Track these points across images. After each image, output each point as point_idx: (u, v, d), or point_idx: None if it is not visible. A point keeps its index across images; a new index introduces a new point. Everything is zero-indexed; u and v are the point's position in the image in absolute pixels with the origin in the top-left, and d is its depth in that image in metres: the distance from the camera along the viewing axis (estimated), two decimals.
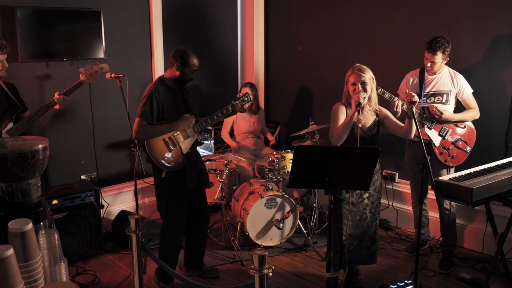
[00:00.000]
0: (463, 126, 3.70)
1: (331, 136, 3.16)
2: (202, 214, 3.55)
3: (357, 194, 3.20)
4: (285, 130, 5.51)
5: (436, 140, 3.66)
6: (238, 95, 3.49)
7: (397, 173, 4.58)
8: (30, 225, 1.71)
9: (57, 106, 3.24)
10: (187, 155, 3.33)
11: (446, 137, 3.66)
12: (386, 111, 3.27)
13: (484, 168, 3.14)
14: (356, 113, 3.01)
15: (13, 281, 1.54)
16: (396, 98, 3.29)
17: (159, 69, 4.65)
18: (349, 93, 3.17)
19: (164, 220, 3.43)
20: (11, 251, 1.55)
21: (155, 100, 3.20)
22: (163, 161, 3.24)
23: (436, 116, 3.61)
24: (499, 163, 3.22)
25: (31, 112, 3.25)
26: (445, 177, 3.06)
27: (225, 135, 5.01)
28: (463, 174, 3.06)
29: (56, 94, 3.25)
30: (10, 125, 3.17)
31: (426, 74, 3.72)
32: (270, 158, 4.36)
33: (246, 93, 3.49)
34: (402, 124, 3.20)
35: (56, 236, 1.96)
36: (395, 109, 3.22)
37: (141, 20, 4.53)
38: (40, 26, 3.84)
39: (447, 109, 3.66)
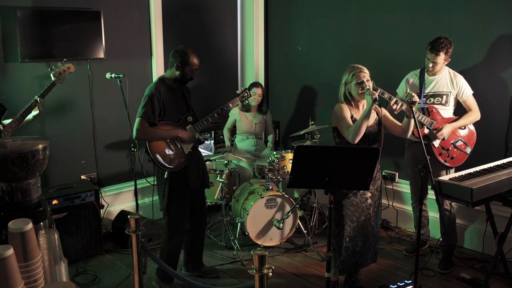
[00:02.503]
0: (463, 127, 3.69)
1: (348, 133, 3.05)
2: (200, 214, 3.55)
3: (360, 194, 3.19)
4: (285, 130, 5.52)
5: (436, 140, 3.65)
6: (238, 91, 3.48)
7: (397, 173, 4.58)
8: (30, 225, 1.71)
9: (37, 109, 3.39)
10: (188, 154, 3.33)
11: (445, 138, 3.66)
12: (384, 110, 3.27)
13: (484, 168, 3.14)
14: (376, 105, 3.03)
15: (13, 281, 1.53)
16: (395, 99, 3.28)
17: (159, 69, 4.65)
18: (351, 94, 3.15)
19: (166, 220, 3.42)
20: (11, 251, 1.55)
21: (156, 99, 3.18)
22: (164, 162, 3.24)
23: (440, 137, 3.62)
24: (499, 163, 3.22)
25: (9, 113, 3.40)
26: (445, 177, 3.06)
27: (224, 131, 4.93)
28: (463, 174, 3.06)
29: (36, 97, 3.38)
30: (6, 121, 3.29)
31: (426, 74, 3.71)
32: (270, 158, 4.36)
33: (245, 89, 3.48)
34: (400, 124, 3.20)
35: (56, 236, 1.95)
36: (393, 108, 3.21)
37: (141, 20, 4.52)
38: (40, 26, 3.84)
39: (447, 110, 3.66)
